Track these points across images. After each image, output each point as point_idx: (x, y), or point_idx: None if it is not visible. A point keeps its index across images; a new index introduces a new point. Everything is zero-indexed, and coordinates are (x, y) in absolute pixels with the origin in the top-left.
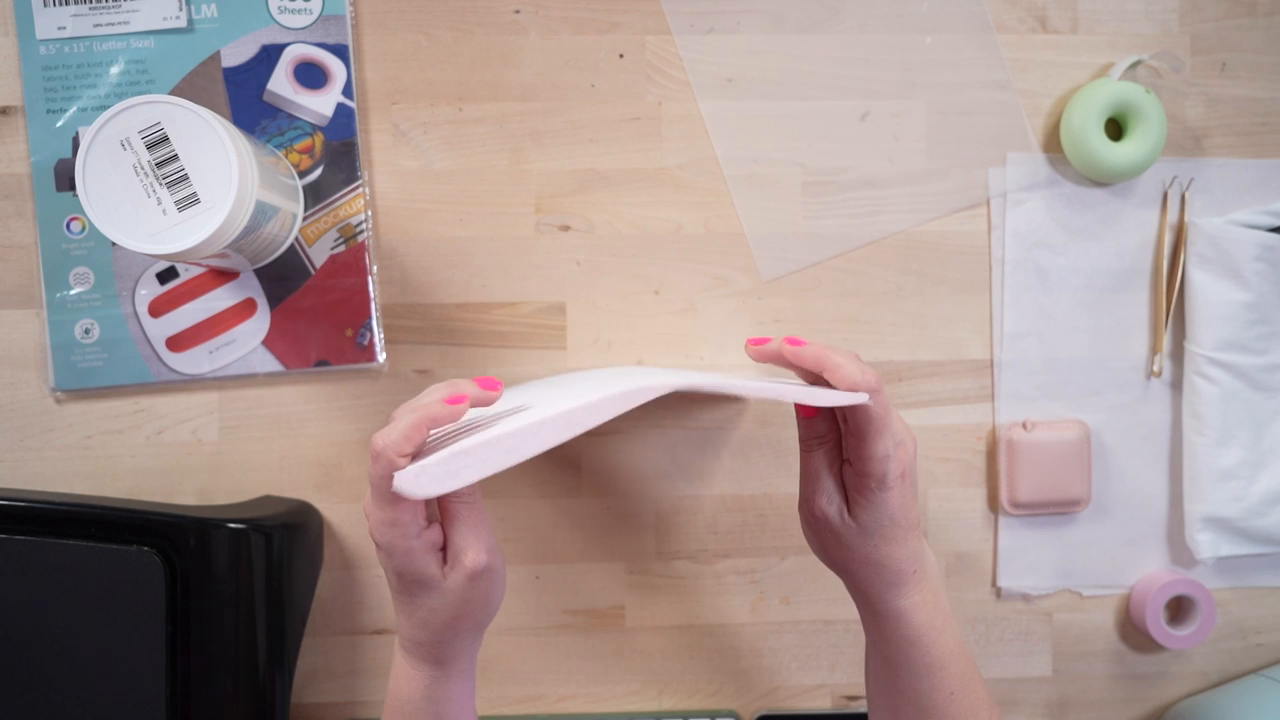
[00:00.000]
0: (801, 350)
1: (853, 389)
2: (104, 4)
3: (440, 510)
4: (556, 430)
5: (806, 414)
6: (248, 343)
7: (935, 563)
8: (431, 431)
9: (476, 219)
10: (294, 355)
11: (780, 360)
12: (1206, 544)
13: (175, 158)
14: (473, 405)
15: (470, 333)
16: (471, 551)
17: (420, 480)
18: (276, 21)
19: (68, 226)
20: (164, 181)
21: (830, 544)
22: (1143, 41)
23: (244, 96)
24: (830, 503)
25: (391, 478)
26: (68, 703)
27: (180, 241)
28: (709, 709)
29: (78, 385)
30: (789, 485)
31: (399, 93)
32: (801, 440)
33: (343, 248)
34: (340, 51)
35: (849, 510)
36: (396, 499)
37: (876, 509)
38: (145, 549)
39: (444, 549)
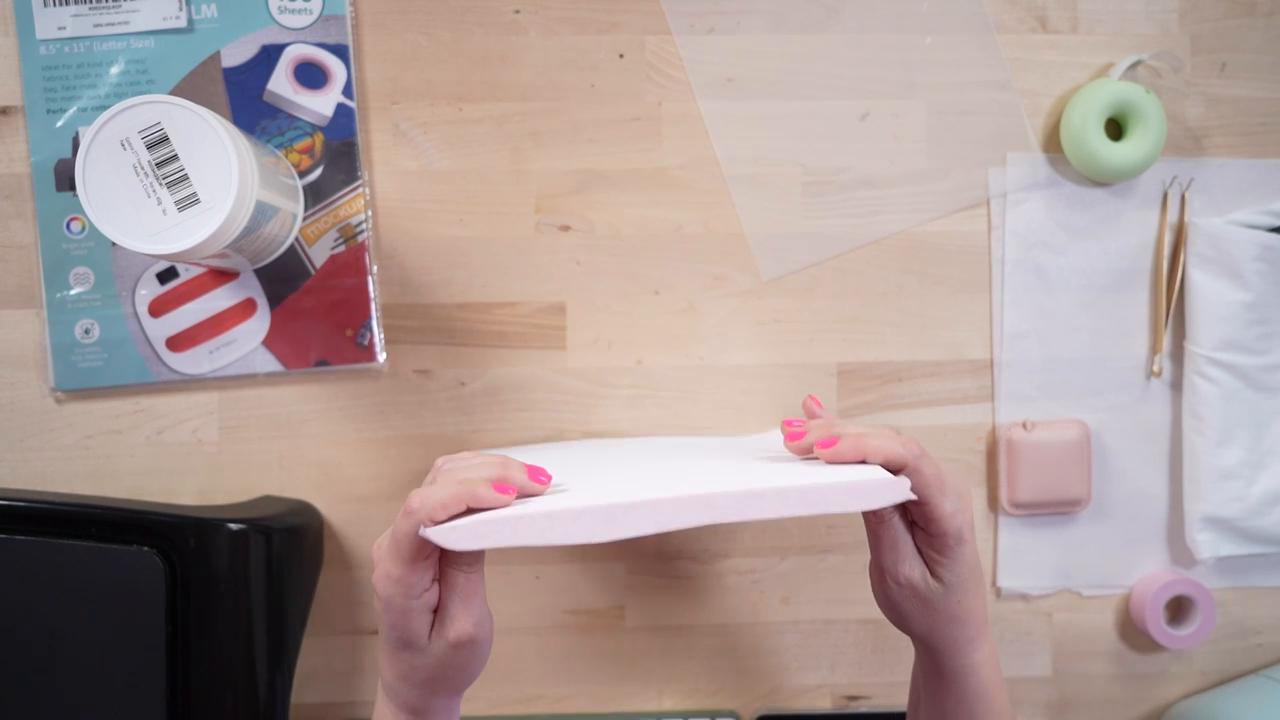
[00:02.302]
0: (839, 450)
1: (899, 465)
2: (104, 4)
3: (439, 573)
4: (592, 525)
5: None
6: (248, 343)
7: None
8: None
9: (476, 219)
10: (294, 355)
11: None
12: (1206, 544)
13: (175, 158)
14: (518, 496)
15: (470, 333)
16: (460, 622)
17: (449, 536)
18: (276, 21)
19: (68, 226)
20: (164, 181)
21: (914, 609)
22: (1143, 41)
23: (244, 96)
24: (914, 568)
25: (416, 534)
26: (68, 703)
27: (180, 241)
28: (709, 709)
29: (78, 385)
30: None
31: (399, 93)
32: (869, 512)
33: (343, 248)
34: (340, 51)
35: (931, 572)
36: (413, 559)
37: (958, 565)
38: (145, 549)
39: (436, 610)
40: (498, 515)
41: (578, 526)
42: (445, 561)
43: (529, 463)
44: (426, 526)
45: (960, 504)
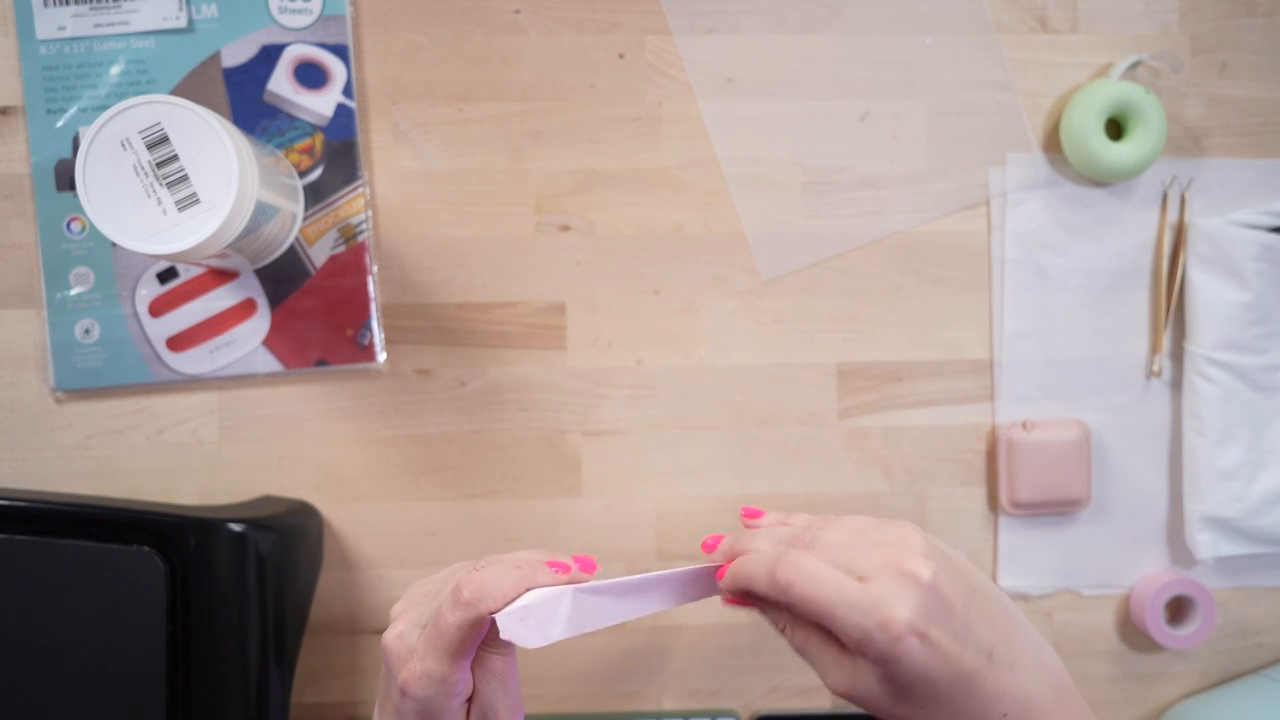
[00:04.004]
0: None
1: (759, 592)
2: (104, 4)
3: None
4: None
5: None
6: (248, 343)
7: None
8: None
9: (476, 219)
10: (294, 355)
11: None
12: (1206, 544)
13: (175, 158)
14: (569, 582)
15: (470, 333)
16: (501, 713)
17: (522, 631)
18: (276, 21)
19: (68, 226)
20: (164, 181)
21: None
22: (1143, 41)
23: (244, 96)
24: (838, 678)
25: (471, 626)
26: (68, 703)
27: (180, 241)
28: (709, 709)
29: (78, 385)
30: (790, 485)
31: (399, 93)
32: (774, 624)
33: (343, 248)
34: (340, 51)
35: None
36: (462, 653)
37: (900, 683)
38: (145, 549)
39: (470, 699)
40: (560, 592)
41: (651, 593)
42: (481, 645)
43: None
44: (491, 608)
45: (874, 625)
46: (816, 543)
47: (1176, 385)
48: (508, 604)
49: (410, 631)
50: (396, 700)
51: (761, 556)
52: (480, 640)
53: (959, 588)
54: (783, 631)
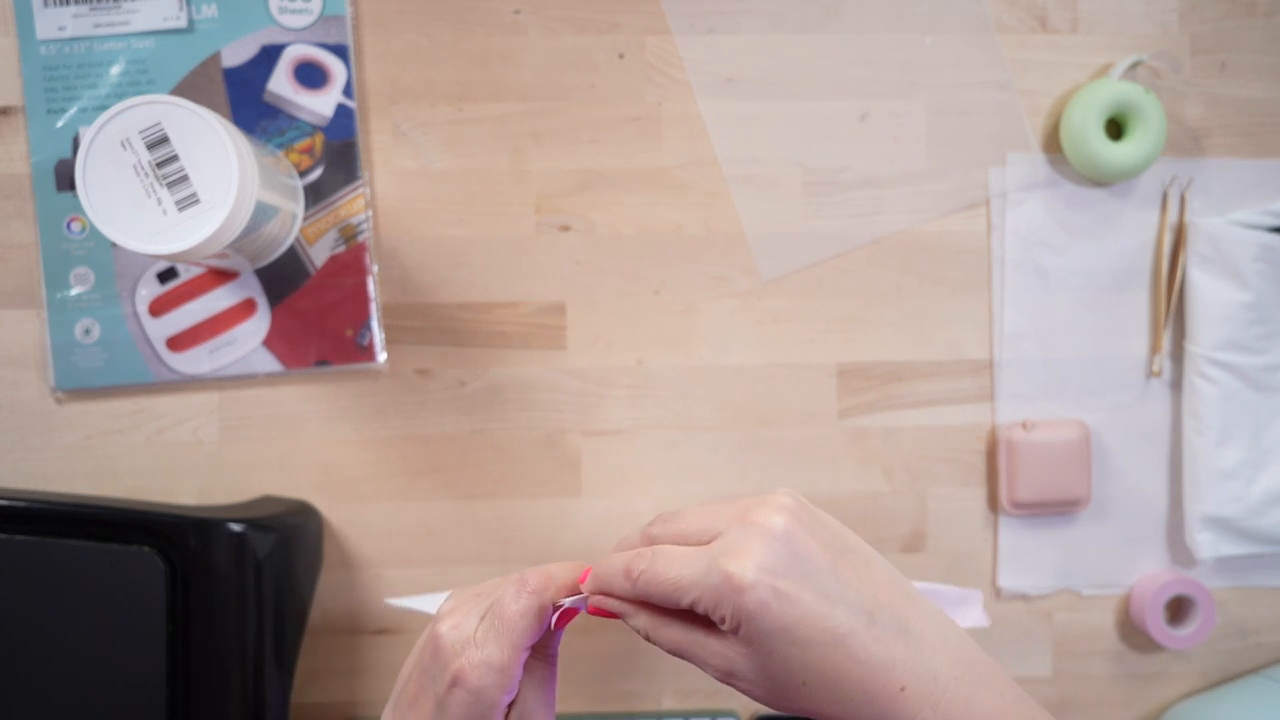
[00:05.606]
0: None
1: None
2: (104, 4)
3: None
4: None
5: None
6: (248, 343)
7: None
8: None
9: (476, 219)
10: (294, 355)
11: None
12: (1206, 544)
13: (175, 158)
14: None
15: (470, 333)
16: (539, 715)
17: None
18: (276, 22)
19: (68, 226)
20: (164, 182)
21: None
22: (1143, 41)
23: (244, 96)
24: (718, 655)
25: (536, 614)
26: (68, 703)
27: (180, 241)
28: (709, 709)
29: (78, 385)
30: (790, 485)
31: (399, 93)
32: (642, 633)
33: (343, 248)
34: (340, 51)
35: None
36: (524, 644)
37: (756, 642)
38: (145, 549)
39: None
40: None
41: None
42: (531, 650)
43: None
44: (555, 597)
45: (719, 580)
46: (679, 515)
47: (1176, 385)
48: (570, 595)
49: (467, 622)
50: (442, 693)
51: (618, 556)
52: (541, 632)
53: (823, 544)
54: (649, 638)
